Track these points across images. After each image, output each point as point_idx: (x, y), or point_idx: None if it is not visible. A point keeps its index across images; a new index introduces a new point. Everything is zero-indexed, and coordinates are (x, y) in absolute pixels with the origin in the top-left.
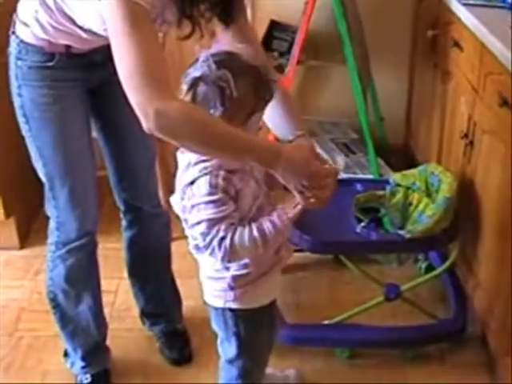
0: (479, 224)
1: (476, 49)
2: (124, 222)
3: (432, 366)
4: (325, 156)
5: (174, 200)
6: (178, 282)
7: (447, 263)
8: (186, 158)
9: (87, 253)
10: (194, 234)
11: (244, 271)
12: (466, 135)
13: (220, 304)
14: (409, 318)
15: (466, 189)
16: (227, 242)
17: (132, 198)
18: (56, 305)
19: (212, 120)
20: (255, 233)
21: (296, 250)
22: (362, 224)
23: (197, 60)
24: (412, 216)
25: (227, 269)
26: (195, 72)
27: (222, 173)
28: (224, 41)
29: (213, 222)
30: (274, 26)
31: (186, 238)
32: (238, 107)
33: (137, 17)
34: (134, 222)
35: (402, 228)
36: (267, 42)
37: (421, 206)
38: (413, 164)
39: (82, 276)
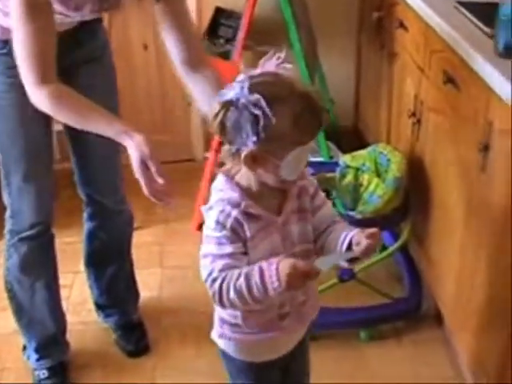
0: (429, 201)
1: (420, 28)
2: (85, 214)
3: (389, 344)
4: None
5: None
6: (135, 272)
7: (399, 242)
8: (218, 180)
9: (40, 243)
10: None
11: (232, 320)
12: (413, 114)
13: (213, 335)
14: (364, 299)
15: (416, 167)
16: (216, 285)
17: (93, 192)
18: (12, 295)
19: (77, 104)
20: (241, 281)
21: None
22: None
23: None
24: (363, 197)
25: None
26: (228, 93)
27: (235, 211)
28: (272, 62)
29: (214, 258)
30: (219, 12)
31: (144, 228)
32: (275, 139)
33: (31, 6)
34: (94, 216)
35: (353, 209)
36: (213, 28)
37: (371, 187)
38: (363, 146)
39: (36, 266)
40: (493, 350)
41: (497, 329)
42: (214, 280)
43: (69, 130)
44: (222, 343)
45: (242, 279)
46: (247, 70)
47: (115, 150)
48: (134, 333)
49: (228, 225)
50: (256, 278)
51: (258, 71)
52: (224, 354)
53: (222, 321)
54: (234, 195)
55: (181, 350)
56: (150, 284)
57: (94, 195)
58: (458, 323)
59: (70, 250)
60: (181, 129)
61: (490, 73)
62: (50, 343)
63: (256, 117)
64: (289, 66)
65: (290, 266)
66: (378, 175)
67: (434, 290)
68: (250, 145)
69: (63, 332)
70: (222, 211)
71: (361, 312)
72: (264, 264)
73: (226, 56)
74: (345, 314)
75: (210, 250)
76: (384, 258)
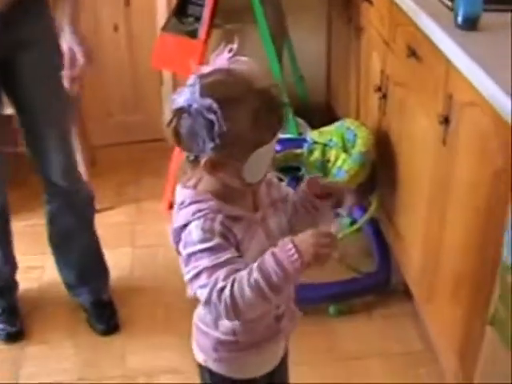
0: (396, 175)
1: (384, 2)
2: (44, 196)
3: (359, 319)
4: None
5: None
6: (106, 252)
7: (366, 216)
8: (181, 194)
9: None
10: (193, 290)
11: (230, 338)
12: (379, 88)
13: (200, 359)
14: (333, 273)
15: (383, 141)
16: (227, 293)
17: (48, 174)
18: None
19: None
20: (256, 274)
21: None
22: (283, 184)
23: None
24: (331, 172)
25: (216, 327)
26: (179, 99)
27: (219, 217)
28: (223, 56)
29: (212, 270)
30: None
31: (115, 208)
32: (233, 142)
33: None
34: (52, 198)
35: None
36: (182, 7)
37: (339, 162)
38: (335, 121)
39: None
40: (457, 321)
41: (461, 301)
42: (222, 290)
43: (17, 110)
44: (220, 367)
45: (255, 273)
46: (200, 68)
47: (66, 128)
48: (105, 311)
49: (217, 230)
50: (272, 265)
51: (208, 69)
52: (219, 377)
53: (217, 343)
54: (212, 203)
55: (151, 328)
56: (121, 264)
57: (48, 177)
58: (425, 296)
59: (39, 231)
60: (153, 109)
61: (448, 45)
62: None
63: (211, 122)
64: (243, 58)
65: (312, 235)
66: (346, 150)
67: (402, 263)
68: (207, 151)
69: (13, 275)
70: (205, 220)
71: (330, 287)
72: (274, 249)
73: (194, 35)
74: (314, 289)
75: (202, 265)
76: (353, 232)
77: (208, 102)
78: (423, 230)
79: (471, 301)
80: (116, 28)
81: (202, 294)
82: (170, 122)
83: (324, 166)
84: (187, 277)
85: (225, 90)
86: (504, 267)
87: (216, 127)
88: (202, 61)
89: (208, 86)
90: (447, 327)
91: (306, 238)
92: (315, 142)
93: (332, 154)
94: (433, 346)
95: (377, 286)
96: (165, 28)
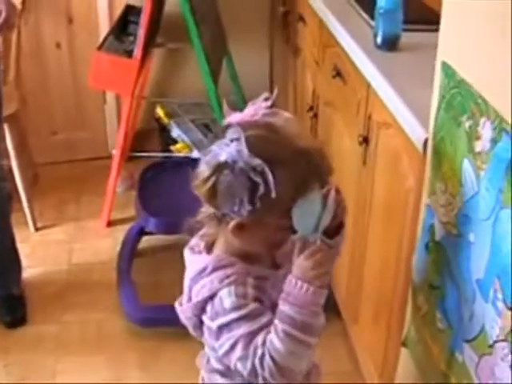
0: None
1: (316, 23)
2: None
3: None
4: (184, 138)
5: (181, 309)
6: (42, 269)
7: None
8: (199, 260)
9: None
10: (231, 364)
11: None
12: (311, 108)
13: None
14: None
15: None
16: (267, 359)
17: None
18: None
19: None
20: (281, 326)
21: (149, 233)
22: None
23: (225, 130)
24: None
25: None
26: (220, 153)
27: (250, 280)
28: (261, 104)
29: (249, 339)
30: (129, 10)
31: (55, 226)
32: (271, 208)
33: None
34: None
35: None
36: (123, 26)
37: None
38: None
39: None
40: (377, 342)
41: (380, 322)
42: (263, 356)
43: None
44: None
45: (279, 325)
46: (230, 112)
47: None
48: (14, 305)
49: (250, 295)
50: (288, 308)
51: (247, 117)
52: None
53: None
54: (238, 266)
55: (81, 345)
56: (56, 281)
57: None
58: (351, 316)
59: None
60: (96, 127)
61: (366, 66)
62: None
63: (255, 184)
64: (281, 112)
65: (304, 259)
66: None
67: (332, 283)
68: (243, 214)
69: None
70: (236, 286)
71: None
72: (283, 295)
73: (132, 54)
74: None
75: (239, 333)
76: None
77: (257, 162)
78: (349, 250)
79: (388, 322)
80: (58, 45)
81: (245, 367)
82: (209, 178)
83: None
84: (220, 351)
85: (273, 150)
86: (413, 288)
87: (260, 190)
88: (138, 81)
89: (254, 143)
90: (370, 348)
91: (300, 263)
92: None
93: None
94: (360, 367)
95: None
96: (101, 47)
